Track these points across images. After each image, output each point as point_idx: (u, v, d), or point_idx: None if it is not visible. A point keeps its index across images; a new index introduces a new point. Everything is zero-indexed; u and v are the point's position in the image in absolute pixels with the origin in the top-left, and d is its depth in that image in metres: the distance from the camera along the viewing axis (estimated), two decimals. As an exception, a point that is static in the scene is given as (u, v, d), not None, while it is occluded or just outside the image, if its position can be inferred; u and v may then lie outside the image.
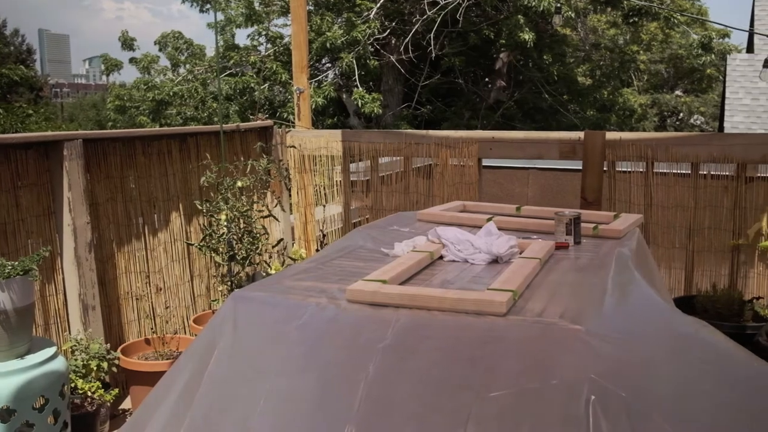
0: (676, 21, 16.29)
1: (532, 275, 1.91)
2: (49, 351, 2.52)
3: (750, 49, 13.51)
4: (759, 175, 3.73)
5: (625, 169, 3.93)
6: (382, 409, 1.63)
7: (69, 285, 3.22)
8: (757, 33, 11.51)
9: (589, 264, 2.13)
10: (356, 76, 13.37)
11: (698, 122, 21.29)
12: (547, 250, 2.16)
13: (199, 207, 3.62)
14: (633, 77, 19.83)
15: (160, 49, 15.82)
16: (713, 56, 15.87)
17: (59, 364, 2.52)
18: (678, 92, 22.35)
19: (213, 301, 3.89)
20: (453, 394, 1.59)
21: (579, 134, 3.92)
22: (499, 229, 2.57)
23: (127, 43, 15.68)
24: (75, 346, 3.04)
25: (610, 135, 3.90)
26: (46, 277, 3.15)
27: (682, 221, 3.87)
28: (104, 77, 17.23)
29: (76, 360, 2.99)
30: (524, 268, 1.93)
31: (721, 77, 17.19)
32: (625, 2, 14.39)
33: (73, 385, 2.90)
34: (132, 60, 15.77)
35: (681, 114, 21.85)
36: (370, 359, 1.68)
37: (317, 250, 4.36)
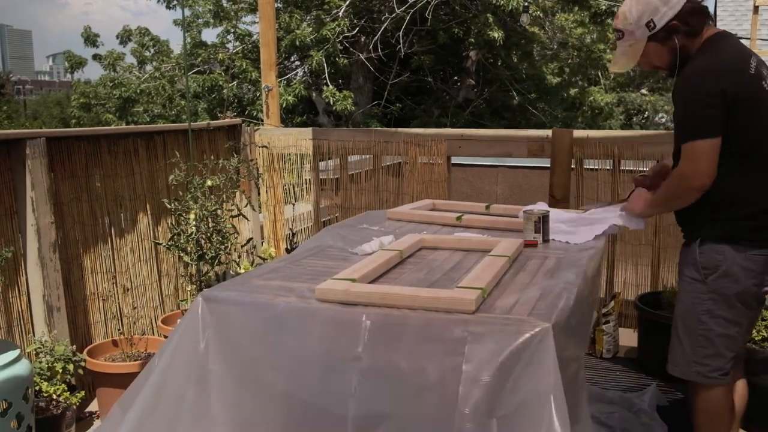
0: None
1: (500, 273, 1.92)
2: (12, 354, 2.47)
3: (713, 48, 13.75)
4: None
5: (592, 167, 3.97)
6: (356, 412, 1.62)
7: (33, 286, 3.16)
8: (719, 33, 11.75)
9: (557, 263, 2.15)
10: (326, 74, 13.33)
11: (663, 120, 21.62)
12: (515, 248, 2.18)
13: (168, 206, 3.58)
14: (600, 76, 20.05)
15: (121, 43, 15.58)
16: (678, 55, 16.10)
17: (23, 367, 2.47)
18: (643, 91, 22.66)
19: (182, 301, 3.84)
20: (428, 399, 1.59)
21: (547, 132, 3.96)
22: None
23: (91, 39, 15.42)
24: (39, 348, 2.98)
25: (578, 133, 3.94)
26: (8, 278, 3.08)
27: (648, 219, 3.91)
28: (69, 74, 16.89)
29: (40, 362, 2.94)
30: (493, 265, 1.94)
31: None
32: (593, 2, 14.54)
33: (37, 388, 2.84)
34: (96, 57, 15.50)
35: (646, 112, 22.16)
36: (342, 359, 1.68)
37: (287, 249, 4.33)
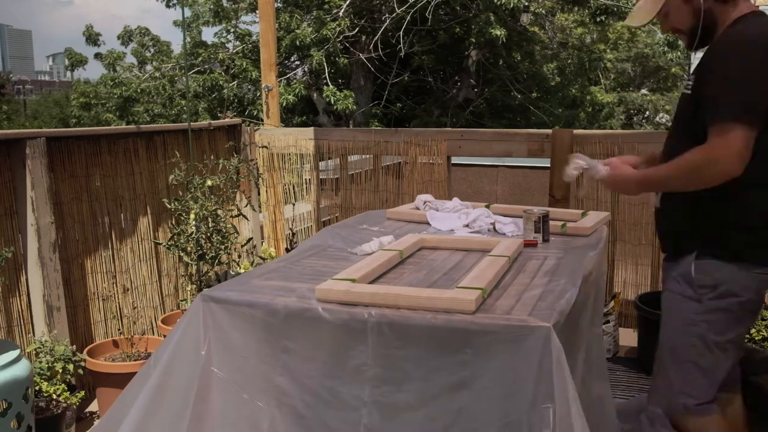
0: (641, 20, 16.43)
1: (500, 273, 1.92)
2: (12, 354, 2.47)
3: (713, 48, 13.72)
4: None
5: (592, 167, 3.96)
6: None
7: (33, 286, 3.16)
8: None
9: (557, 263, 2.15)
10: (326, 74, 13.33)
11: (664, 120, 21.61)
12: (515, 248, 2.18)
13: (168, 206, 3.58)
14: (600, 76, 20.05)
15: (122, 44, 15.60)
16: (679, 53, 16.11)
17: (22, 366, 2.47)
18: (644, 91, 22.66)
19: (181, 301, 3.84)
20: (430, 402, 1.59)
21: (547, 132, 3.95)
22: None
23: (92, 38, 15.43)
24: (39, 348, 2.98)
25: (578, 132, 3.93)
26: (8, 278, 3.08)
27: (649, 218, 3.92)
28: (68, 74, 16.93)
29: (40, 362, 2.94)
30: (493, 266, 1.94)
31: (685, 76, 17.47)
32: (592, 1, 14.53)
33: (37, 388, 2.84)
34: (97, 55, 15.51)
35: (647, 112, 22.16)
36: (343, 359, 1.68)
37: (287, 249, 4.33)
